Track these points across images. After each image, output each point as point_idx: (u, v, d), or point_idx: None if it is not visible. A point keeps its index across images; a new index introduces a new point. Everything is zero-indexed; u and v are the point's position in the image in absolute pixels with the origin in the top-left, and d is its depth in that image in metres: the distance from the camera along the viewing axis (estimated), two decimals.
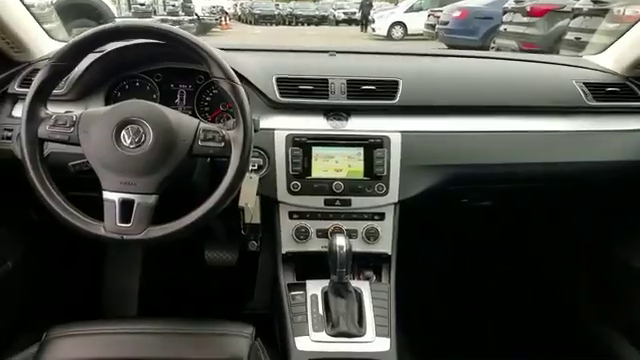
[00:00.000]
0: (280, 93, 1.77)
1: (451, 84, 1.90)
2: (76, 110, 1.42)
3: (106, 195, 1.32)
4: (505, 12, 11.06)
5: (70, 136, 1.36)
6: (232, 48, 1.99)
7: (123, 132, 1.33)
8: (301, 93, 1.78)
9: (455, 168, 1.79)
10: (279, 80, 1.79)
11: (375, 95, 1.80)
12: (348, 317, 1.52)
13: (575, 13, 8.17)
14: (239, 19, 35.48)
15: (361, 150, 1.71)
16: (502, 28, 11.13)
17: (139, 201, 1.31)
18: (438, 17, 15.01)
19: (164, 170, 1.33)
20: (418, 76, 1.89)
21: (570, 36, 8.06)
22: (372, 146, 1.71)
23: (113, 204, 1.31)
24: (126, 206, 1.31)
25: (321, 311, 1.57)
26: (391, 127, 1.75)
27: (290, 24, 33.66)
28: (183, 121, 1.38)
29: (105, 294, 2.49)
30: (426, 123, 1.80)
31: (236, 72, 1.39)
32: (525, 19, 10.12)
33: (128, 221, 1.31)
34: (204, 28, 19.84)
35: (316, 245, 1.73)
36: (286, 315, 1.58)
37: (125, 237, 1.31)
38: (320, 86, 1.79)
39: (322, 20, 33.73)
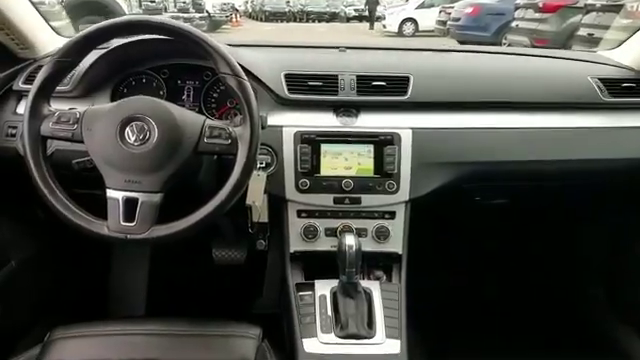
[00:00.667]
0: (288, 89, 1.74)
1: (463, 80, 1.86)
2: (81, 107, 1.39)
3: (110, 193, 1.29)
4: (517, 8, 10.99)
5: (73, 133, 1.33)
6: (240, 44, 1.97)
7: (127, 129, 1.30)
8: (310, 89, 1.75)
9: (467, 166, 1.75)
10: (287, 76, 1.76)
11: (385, 91, 1.76)
12: (357, 318, 1.50)
13: (588, 9, 8.11)
14: (250, 16, 35.56)
15: (371, 147, 1.68)
16: (514, 24, 11.09)
17: (143, 199, 1.28)
18: (449, 13, 14.95)
19: (169, 168, 1.30)
20: (429, 72, 1.86)
21: (583, 32, 8.00)
22: (382, 143, 1.68)
23: (117, 202, 1.28)
24: (130, 205, 1.28)
25: (330, 312, 1.54)
26: (402, 124, 1.72)
27: (301, 21, 33.63)
28: (189, 118, 1.35)
29: (112, 293, 2.47)
30: (437, 119, 1.76)
31: (243, 68, 1.36)
32: (537, 15, 10.05)
33: (132, 220, 1.28)
34: (214, 25, 19.93)
35: (325, 244, 1.70)
36: (294, 316, 1.56)
37: (129, 237, 1.29)
38: (329, 82, 1.76)
39: (333, 17, 33.66)
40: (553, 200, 2.23)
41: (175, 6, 18.33)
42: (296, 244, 1.71)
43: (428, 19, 18.60)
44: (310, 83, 1.75)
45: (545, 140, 1.80)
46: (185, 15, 16.82)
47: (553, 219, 2.47)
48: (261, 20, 33.42)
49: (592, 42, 7.29)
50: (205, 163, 1.53)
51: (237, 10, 29.84)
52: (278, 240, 1.77)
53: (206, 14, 20.21)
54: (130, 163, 1.29)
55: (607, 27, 6.92)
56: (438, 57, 2.17)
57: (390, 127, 1.71)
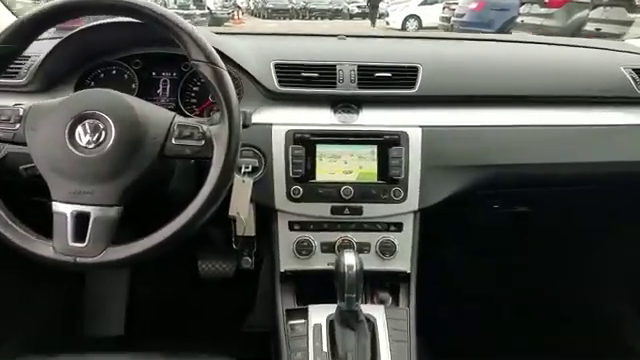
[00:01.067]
0: (279, 81, 1.58)
1: (479, 71, 1.72)
2: (31, 103, 1.22)
3: (56, 207, 1.12)
4: (522, 3, 11.16)
5: (15, 134, 1.16)
6: (225, 32, 1.81)
7: (79, 129, 1.13)
8: (304, 81, 1.59)
9: (485, 169, 1.59)
10: (278, 66, 1.60)
11: (391, 84, 1.60)
12: (358, 354, 1.32)
13: (594, 3, 8.13)
14: (252, 13, 35.88)
15: (374, 148, 1.52)
16: (519, 20, 11.31)
17: (97, 215, 1.10)
18: (453, 10, 15.21)
19: (128, 176, 1.12)
20: (441, 62, 1.70)
21: (590, 27, 8.00)
22: (387, 143, 1.52)
23: (64, 218, 1.10)
24: (81, 221, 1.10)
25: (325, 347, 1.36)
26: (410, 121, 1.56)
27: (304, 18, 34.04)
28: (153, 115, 1.18)
29: (87, 309, 2.31)
30: (451, 116, 1.60)
31: (225, 56, 1.23)
32: (543, 10, 10.24)
33: (83, 240, 1.10)
34: (216, 22, 20.12)
35: (321, 262, 1.53)
36: (283, 352, 1.39)
37: (78, 260, 1.11)
38: (326, 73, 1.60)
39: (336, 14, 34.15)
40: (582, 207, 2.09)
41: (175, 2, 18.35)
42: (287, 262, 1.54)
43: (431, 16, 18.86)
44: (304, 74, 1.60)
45: (574, 139, 1.65)
46: (185, 12, 16.84)
47: (581, 227, 2.33)
48: (263, 17, 33.80)
49: (600, 37, 7.32)
50: (179, 169, 1.36)
51: (239, 7, 30.04)
52: (267, 257, 1.62)
53: (207, 11, 20.27)
54: (81, 170, 1.12)
55: (615, 22, 6.92)
56: (450, 46, 2.04)
57: (396, 125, 1.55)
